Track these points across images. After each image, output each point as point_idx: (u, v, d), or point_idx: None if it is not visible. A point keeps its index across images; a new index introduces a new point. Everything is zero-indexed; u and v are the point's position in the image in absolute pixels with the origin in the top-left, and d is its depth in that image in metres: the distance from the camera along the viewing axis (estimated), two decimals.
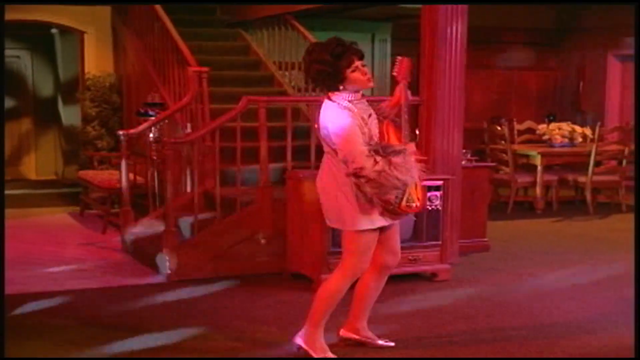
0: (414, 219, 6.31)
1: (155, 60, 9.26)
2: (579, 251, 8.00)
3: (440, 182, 6.58)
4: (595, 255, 7.77)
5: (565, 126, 10.72)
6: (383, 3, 9.60)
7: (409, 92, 4.71)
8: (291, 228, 6.63)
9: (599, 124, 10.53)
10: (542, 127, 10.92)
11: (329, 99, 4.52)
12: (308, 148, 6.97)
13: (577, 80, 13.86)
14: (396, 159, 4.39)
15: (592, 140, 10.31)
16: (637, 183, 8.53)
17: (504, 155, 10.33)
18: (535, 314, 5.77)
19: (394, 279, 6.39)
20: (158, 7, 9.09)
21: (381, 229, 4.61)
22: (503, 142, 10.59)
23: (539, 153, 10.14)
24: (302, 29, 9.56)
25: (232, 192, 6.95)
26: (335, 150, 4.46)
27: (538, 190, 10.28)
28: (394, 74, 4.70)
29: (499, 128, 10.89)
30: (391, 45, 12.11)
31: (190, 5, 10.62)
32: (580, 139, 10.60)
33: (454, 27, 7.03)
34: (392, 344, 4.95)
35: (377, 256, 4.73)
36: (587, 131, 10.60)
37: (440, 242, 6.60)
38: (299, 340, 4.73)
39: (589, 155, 10.17)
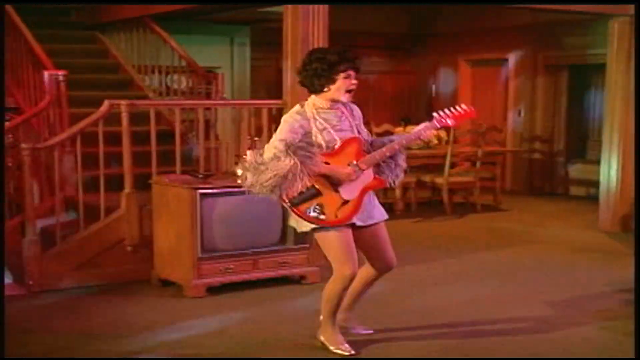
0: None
1: (7, 63, 8.88)
2: (440, 249, 8.24)
3: None
4: (457, 254, 8.01)
5: None
6: (240, 2, 9.47)
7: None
8: (158, 234, 6.52)
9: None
10: (398, 130, 11.16)
11: (301, 105, 4.67)
12: (172, 153, 6.88)
13: (431, 84, 14.29)
14: (282, 163, 4.40)
15: (447, 142, 10.64)
16: (637, 183, 8.74)
17: None
18: (407, 310, 5.91)
19: (262, 283, 6.44)
20: (9, 7, 8.72)
21: (369, 236, 4.98)
22: None
23: None
24: (161, 31, 9.42)
25: (95, 198, 6.77)
26: None
27: (397, 191, 10.50)
28: (452, 123, 5.08)
29: None
30: (250, 49, 12.09)
31: (43, 6, 10.23)
32: (435, 141, 10.88)
33: (315, 29, 7.07)
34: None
35: (374, 261, 5.01)
36: (442, 133, 10.91)
37: (308, 245, 6.63)
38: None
39: (444, 157, 10.48)
